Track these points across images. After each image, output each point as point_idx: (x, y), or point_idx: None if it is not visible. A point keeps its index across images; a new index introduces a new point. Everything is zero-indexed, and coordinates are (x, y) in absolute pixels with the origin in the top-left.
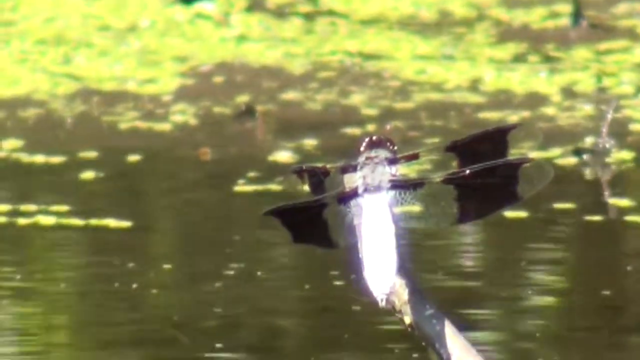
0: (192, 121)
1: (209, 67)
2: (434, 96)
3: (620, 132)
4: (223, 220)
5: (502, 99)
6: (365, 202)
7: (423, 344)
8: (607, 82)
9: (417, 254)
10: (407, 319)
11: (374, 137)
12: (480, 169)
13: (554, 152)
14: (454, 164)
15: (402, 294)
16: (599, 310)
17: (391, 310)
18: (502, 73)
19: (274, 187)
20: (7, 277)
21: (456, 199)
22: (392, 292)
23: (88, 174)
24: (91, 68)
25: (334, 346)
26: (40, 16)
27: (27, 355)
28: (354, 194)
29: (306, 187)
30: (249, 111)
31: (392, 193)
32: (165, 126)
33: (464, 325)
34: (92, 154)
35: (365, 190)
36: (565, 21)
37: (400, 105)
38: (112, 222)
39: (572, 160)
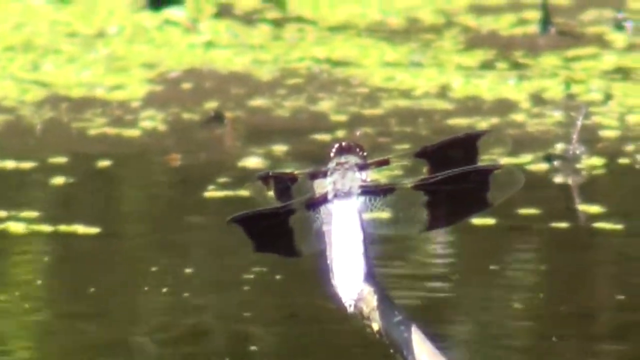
0: (161, 127)
1: (178, 74)
2: (403, 103)
3: (590, 139)
4: (193, 226)
5: (471, 106)
6: (335, 208)
7: (391, 350)
8: (575, 89)
9: (385, 261)
10: (376, 326)
11: (344, 143)
12: (451, 175)
13: (525, 158)
14: (425, 169)
15: (370, 300)
16: (569, 317)
17: (359, 317)
18: (471, 80)
19: (244, 192)
20: None
21: (426, 205)
22: (360, 299)
23: (58, 180)
24: (60, 74)
25: (303, 353)
26: (8, 23)
27: None
28: (323, 199)
29: (271, 194)
30: (217, 117)
31: (362, 199)
32: (134, 132)
33: (432, 332)
34: (61, 160)
35: (336, 195)
36: (533, 28)
37: (369, 111)
38: (80, 228)
39: (542, 167)
